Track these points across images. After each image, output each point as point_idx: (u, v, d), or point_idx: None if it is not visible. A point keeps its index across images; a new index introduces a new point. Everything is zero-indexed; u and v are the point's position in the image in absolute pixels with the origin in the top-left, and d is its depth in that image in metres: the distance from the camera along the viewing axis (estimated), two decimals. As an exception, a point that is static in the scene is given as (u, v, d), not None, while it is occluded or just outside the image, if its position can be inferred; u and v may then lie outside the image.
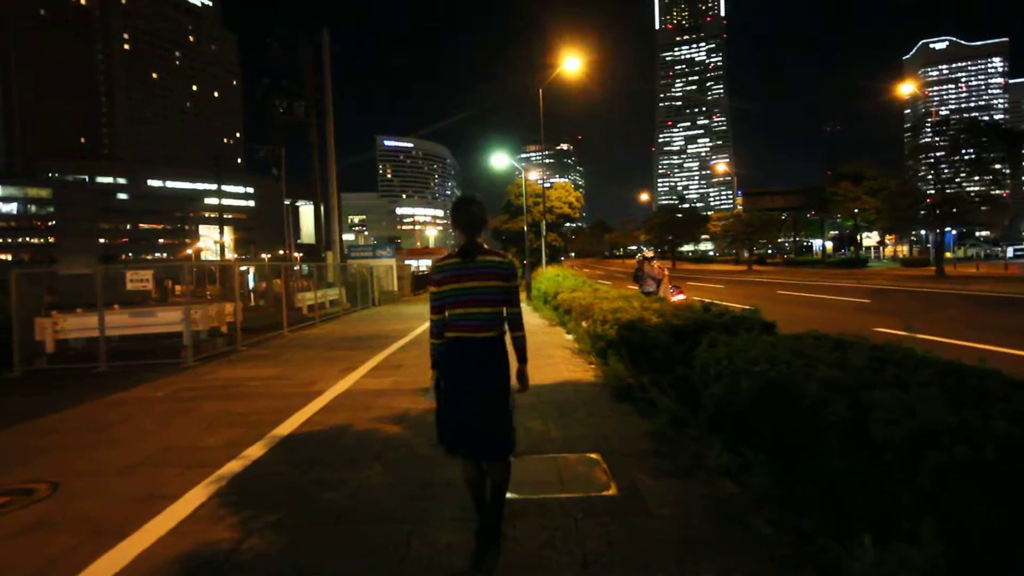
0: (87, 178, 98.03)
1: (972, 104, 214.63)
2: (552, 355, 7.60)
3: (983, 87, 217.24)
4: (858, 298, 15.60)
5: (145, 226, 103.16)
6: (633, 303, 7.35)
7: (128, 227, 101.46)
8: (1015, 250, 40.87)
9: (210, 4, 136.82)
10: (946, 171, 27.75)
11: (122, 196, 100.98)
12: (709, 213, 70.54)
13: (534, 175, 40.14)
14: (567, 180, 31.29)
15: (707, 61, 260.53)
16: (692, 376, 4.29)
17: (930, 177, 29.75)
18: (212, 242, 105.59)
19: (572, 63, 23.89)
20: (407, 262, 54.32)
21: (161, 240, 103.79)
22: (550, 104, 18.83)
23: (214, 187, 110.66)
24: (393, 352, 8.25)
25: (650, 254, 10.84)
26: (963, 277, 23.65)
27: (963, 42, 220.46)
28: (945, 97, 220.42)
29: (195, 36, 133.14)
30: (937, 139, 28.84)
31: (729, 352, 3.86)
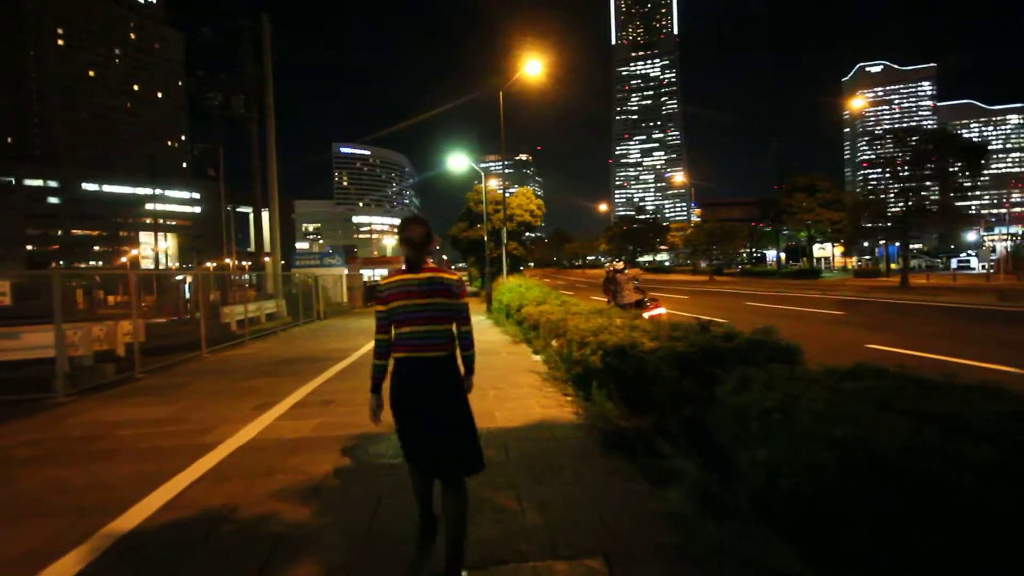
0: (13, 180, 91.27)
1: (904, 124, 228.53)
2: (519, 382, 6.37)
3: (914, 108, 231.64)
4: (831, 310, 15.11)
5: (79, 232, 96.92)
6: (615, 320, 6.23)
7: (59, 233, 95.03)
8: (959, 262, 42.53)
9: (154, 1, 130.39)
10: (908, 183, 28.27)
11: (53, 200, 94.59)
12: (666, 224, 71.37)
13: (494, 183, 38.98)
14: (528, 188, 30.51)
15: (661, 76, 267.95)
16: (715, 426, 3.17)
17: (892, 189, 30.32)
18: (150, 250, 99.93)
19: (533, 66, 23.02)
20: (361, 271, 52.17)
21: (96, 247, 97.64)
22: (509, 115, 17.83)
23: (157, 192, 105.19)
24: (326, 380, 6.83)
25: (620, 265, 9.81)
26: (928, 288, 23.83)
27: (896, 66, 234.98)
28: (880, 117, 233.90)
29: (137, 34, 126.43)
30: (898, 151, 29.36)
31: (777, 400, 2.74)
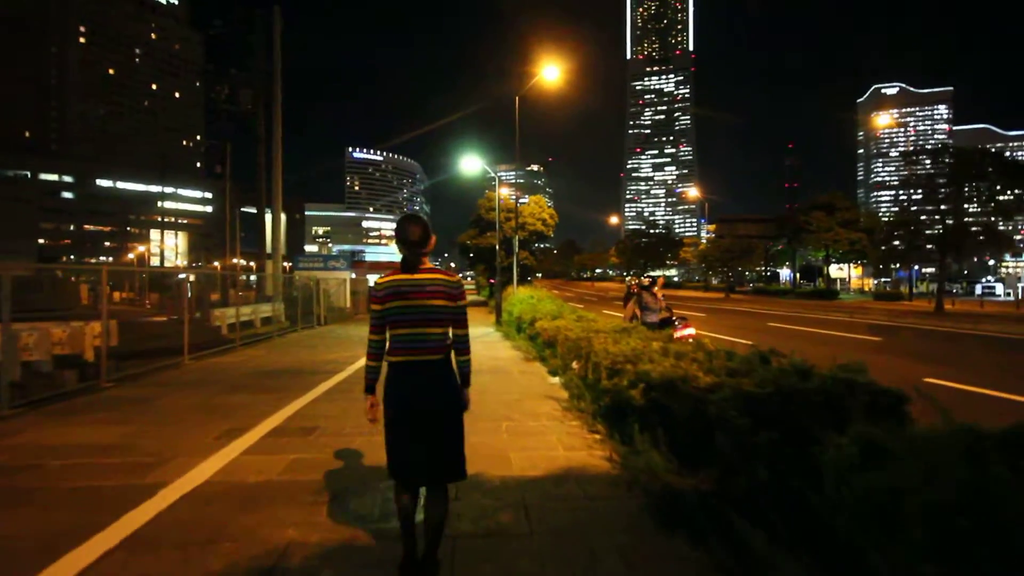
0: (29, 174, 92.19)
1: (919, 147, 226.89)
2: (536, 411, 5.46)
3: (930, 132, 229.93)
4: (864, 335, 14.09)
5: (91, 228, 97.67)
6: (652, 344, 5.34)
7: (72, 228, 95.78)
8: (983, 287, 41.18)
9: (176, 3, 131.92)
10: (944, 204, 27.03)
11: (67, 195, 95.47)
12: (679, 238, 70.17)
13: (506, 191, 38.24)
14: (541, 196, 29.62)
15: (675, 92, 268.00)
16: (827, 510, 2.28)
17: (925, 209, 29.15)
18: (159, 247, 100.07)
19: (550, 71, 22.36)
20: (368, 276, 51.62)
21: (107, 243, 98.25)
22: (522, 125, 17.26)
23: (169, 190, 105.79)
24: (313, 400, 5.95)
25: (647, 281, 8.86)
26: (963, 315, 22.57)
27: (912, 88, 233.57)
28: (895, 139, 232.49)
29: (158, 34, 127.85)
30: (935, 168, 28.22)
31: (950, 492, 1.88)
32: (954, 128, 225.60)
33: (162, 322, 16.40)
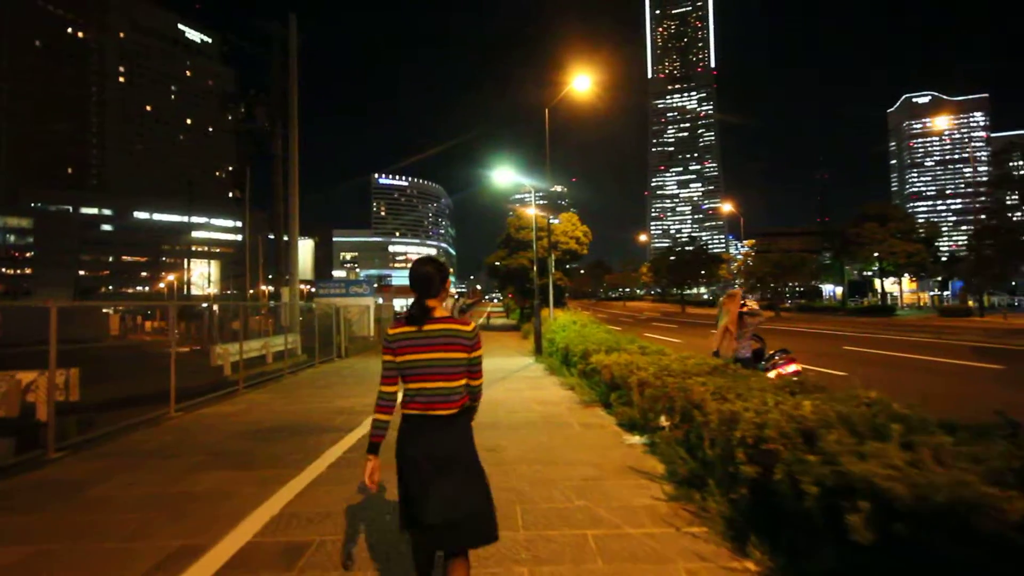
0: (71, 208, 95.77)
1: (956, 156, 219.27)
2: (628, 502, 3.72)
3: (966, 140, 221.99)
4: (972, 360, 11.92)
5: (128, 258, 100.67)
6: (802, 403, 3.61)
7: (111, 259, 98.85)
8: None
9: (210, 41, 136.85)
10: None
11: (106, 227, 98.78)
12: (718, 254, 67.30)
13: (532, 211, 36.68)
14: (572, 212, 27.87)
15: (698, 109, 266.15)
16: None
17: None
18: (197, 275, 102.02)
19: (581, 81, 21.06)
20: (395, 301, 50.43)
21: (144, 273, 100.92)
22: (544, 149, 15.88)
23: (202, 220, 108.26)
24: (314, 482, 4.33)
25: (753, 303, 7.01)
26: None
27: (945, 96, 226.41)
28: (929, 149, 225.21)
29: (192, 71, 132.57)
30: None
31: None
32: (991, 135, 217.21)
33: (184, 353, 15.16)
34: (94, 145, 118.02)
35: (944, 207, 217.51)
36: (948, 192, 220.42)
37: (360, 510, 3.63)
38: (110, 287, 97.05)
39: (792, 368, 6.67)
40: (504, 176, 17.05)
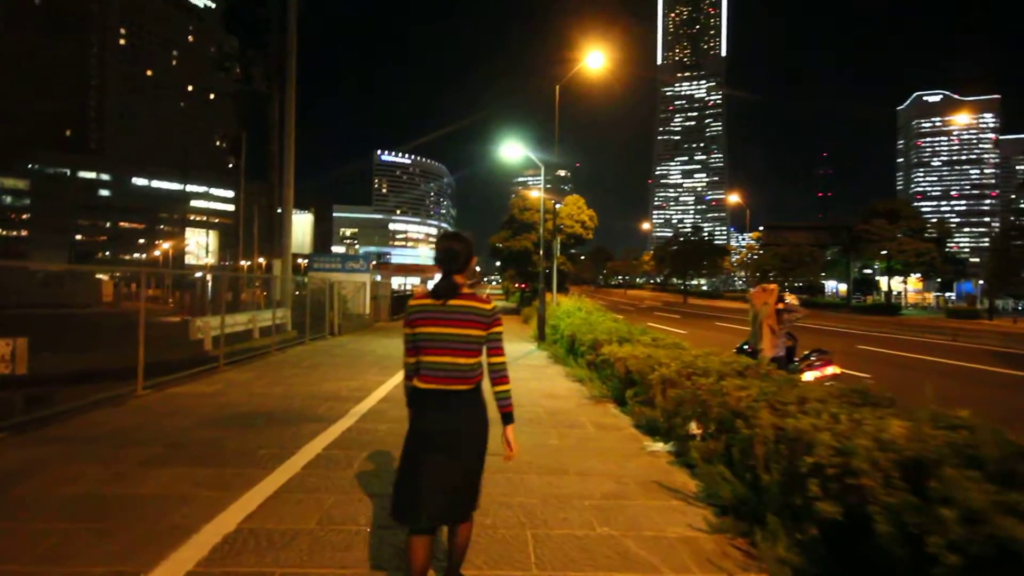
0: (68, 172, 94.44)
1: (963, 157, 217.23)
2: (661, 530, 3.06)
3: (975, 140, 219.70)
4: (995, 365, 11.30)
5: (126, 225, 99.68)
6: (867, 419, 2.94)
7: (108, 225, 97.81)
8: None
9: (212, 5, 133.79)
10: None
11: (104, 193, 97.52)
12: (721, 245, 66.36)
13: (537, 193, 35.73)
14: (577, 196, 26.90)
15: (707, 98, 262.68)
16: None
17: None
18: (194, 245, 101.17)
19: (594, 58, 20.15)
20: (393, 279, 49.65)
21: (141, 240, 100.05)
22: (550, 130, 15.04)
23: (201, 189, 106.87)
24: (285, 486, 3.66)
25: (792, 298, 6.27)
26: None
27: (956, 96, 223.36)
28: (937, 148, 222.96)
29: (195, 36, 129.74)
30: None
31: None
32: (1000, 137, 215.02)
33: (175, 323, 14.53)
34: (93, 108, 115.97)
35: (948, 208, 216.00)
36: (953, 193, 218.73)
37: (333, 530, 2.95)
38: (107, 253, 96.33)
39: (830, 370, 6.02)
40: (512, 150, 16.21)
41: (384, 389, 6.99)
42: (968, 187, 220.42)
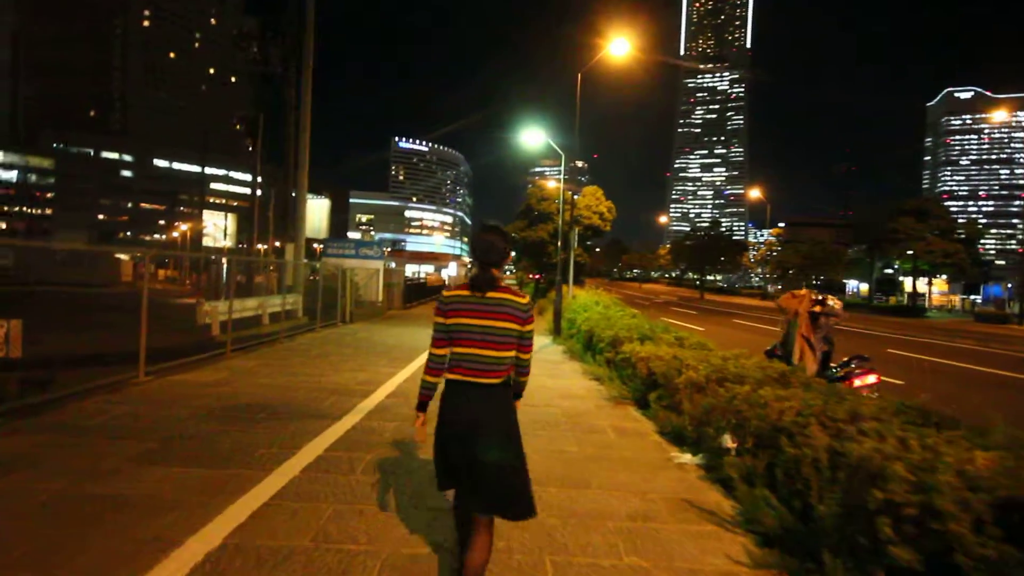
0: (92, 152, 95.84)
1: (994, 156, 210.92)
2: (687, 553, 2.71)
3: (1006, 140, 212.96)
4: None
5: (147, 206, 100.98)
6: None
7: (129, 205, 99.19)
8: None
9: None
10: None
11: (126, 173, 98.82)
12: (741, 241, 65.19)
13: (553, 184, 35.18)
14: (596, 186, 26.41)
15: (729, 91, 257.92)
16: None
17: None
18: (212, 226, 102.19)
19: (618, 45, 19.58)
20: (408, 266, 49.49)
21: (161, 221, 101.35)
22: (568, 121, 14.53)
23: (221, 172, 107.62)
24: (290, 484, 3.38)
25: (834, 302, 5.77)
26: None
27: (988, 93, 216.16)
28: (967, 147, 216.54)
29: (217, 19, 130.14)
30: None
31: None
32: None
33: (188, 305, 14.43)
34: (117, 90, 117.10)
35: (975, 208, 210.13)
36: (981, 193, 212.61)
37: (329, 549, 2.65)
38: (128, 233, 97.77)
39: (871, 379, 5.58)
40: (532, 137, 15.76)
41: (393, 383, 6.70)
42: (997, 187, 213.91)
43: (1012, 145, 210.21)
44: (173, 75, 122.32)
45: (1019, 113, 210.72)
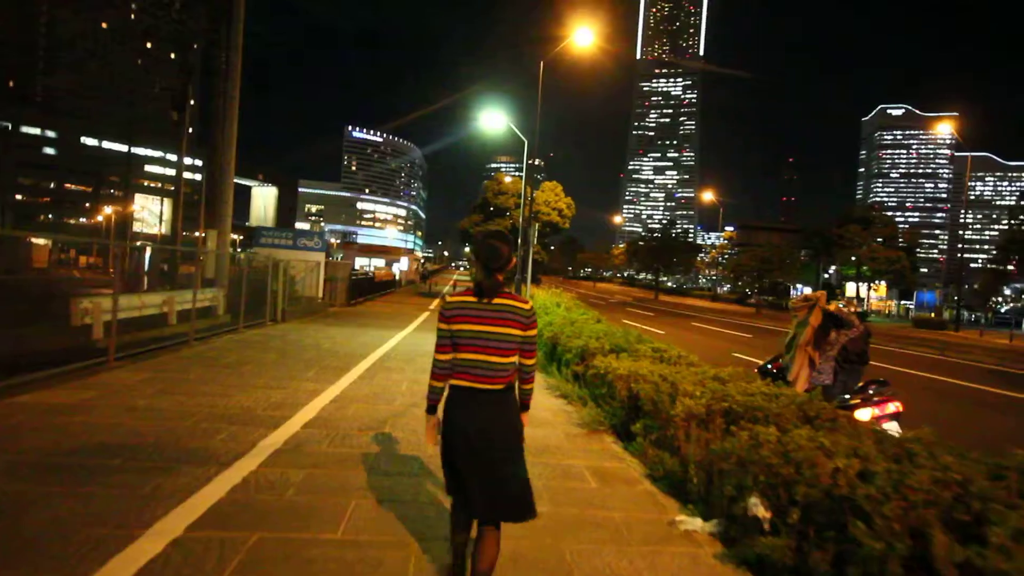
0: (9, 125, 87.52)
1: (919, 171, 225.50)
2: None
3: (932, 155, 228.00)
4: (1016, 391, 10.47)
5: (72, 187, 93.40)
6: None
7: (52, 186, 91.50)
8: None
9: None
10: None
11: (49, 151, 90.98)
12: (700, 244, 66.16)
13: (508, 179, 34.16)
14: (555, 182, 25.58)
15: (682, 96, 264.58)
16: None
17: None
18: (146, 212, 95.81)
19: (582, 34, 18.78)
20: (358, 259, 47.24)
21: (87, 204, 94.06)
22: (522, 117, 13.56)
23: (158, 154, 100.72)
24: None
25: (854, 309, 4.93)
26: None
27: (918, 111, 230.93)
28: (896, 160, 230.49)
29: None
30: None
31: None
32: (956, 154, 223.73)
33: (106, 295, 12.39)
34: (41, 59, 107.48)
35: (902, 219, 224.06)
36: (908, 205, 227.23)
37: None
38: (50, 216, 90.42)
39: (892, 408, 4.72)
40: (493, 120, 14.57)
41: (316, 405, 5.38)
42: (922, 200, 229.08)
43: (936, 161, 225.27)
44: (103, 46, 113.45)
45: (943, 130, 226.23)
